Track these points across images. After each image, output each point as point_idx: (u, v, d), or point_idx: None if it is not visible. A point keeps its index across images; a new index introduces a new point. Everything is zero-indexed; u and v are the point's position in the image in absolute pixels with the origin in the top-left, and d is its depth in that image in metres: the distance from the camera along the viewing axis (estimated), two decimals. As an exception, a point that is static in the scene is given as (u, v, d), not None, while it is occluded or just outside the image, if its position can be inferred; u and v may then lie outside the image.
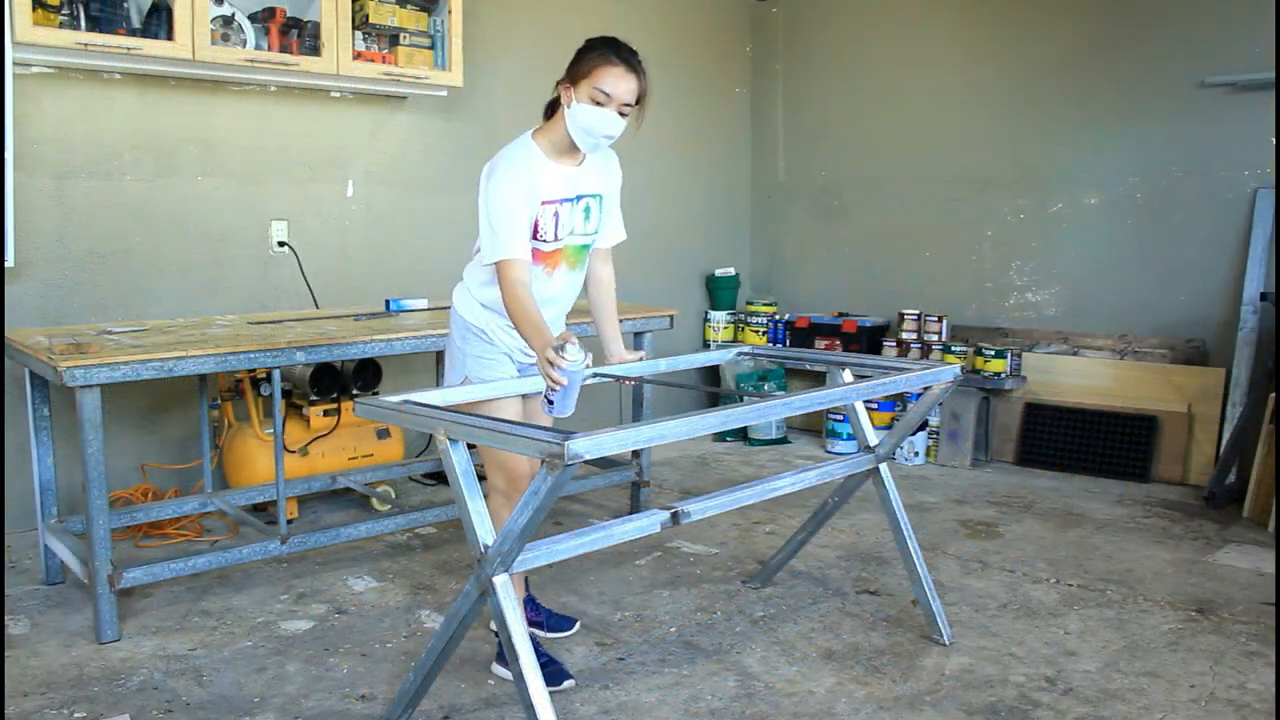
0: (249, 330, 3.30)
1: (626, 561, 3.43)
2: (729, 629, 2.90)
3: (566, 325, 2.71)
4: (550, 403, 2.16)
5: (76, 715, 2.39)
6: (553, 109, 2.47)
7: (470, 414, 2.07)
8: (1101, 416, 4.61)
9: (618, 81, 2.33)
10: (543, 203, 2.39)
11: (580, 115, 2.35)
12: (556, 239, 2.45)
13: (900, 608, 3.04)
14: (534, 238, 2.40)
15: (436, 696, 2.47)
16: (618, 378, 2.69)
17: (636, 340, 3.90)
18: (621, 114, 2.37)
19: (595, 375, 2.66)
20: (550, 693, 2.07)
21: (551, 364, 2.06)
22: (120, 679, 2.58)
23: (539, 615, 2.83)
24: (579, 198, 2.48)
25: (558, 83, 2.43)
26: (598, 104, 2.34)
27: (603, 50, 2.36)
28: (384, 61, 4.10)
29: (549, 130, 2.44)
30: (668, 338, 4.46)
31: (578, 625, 2.90)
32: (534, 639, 2.39)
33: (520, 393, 2.49)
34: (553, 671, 2.48)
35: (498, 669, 2.62)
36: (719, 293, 5.78)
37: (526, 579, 2.84)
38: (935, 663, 2.68)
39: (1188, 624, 2.93)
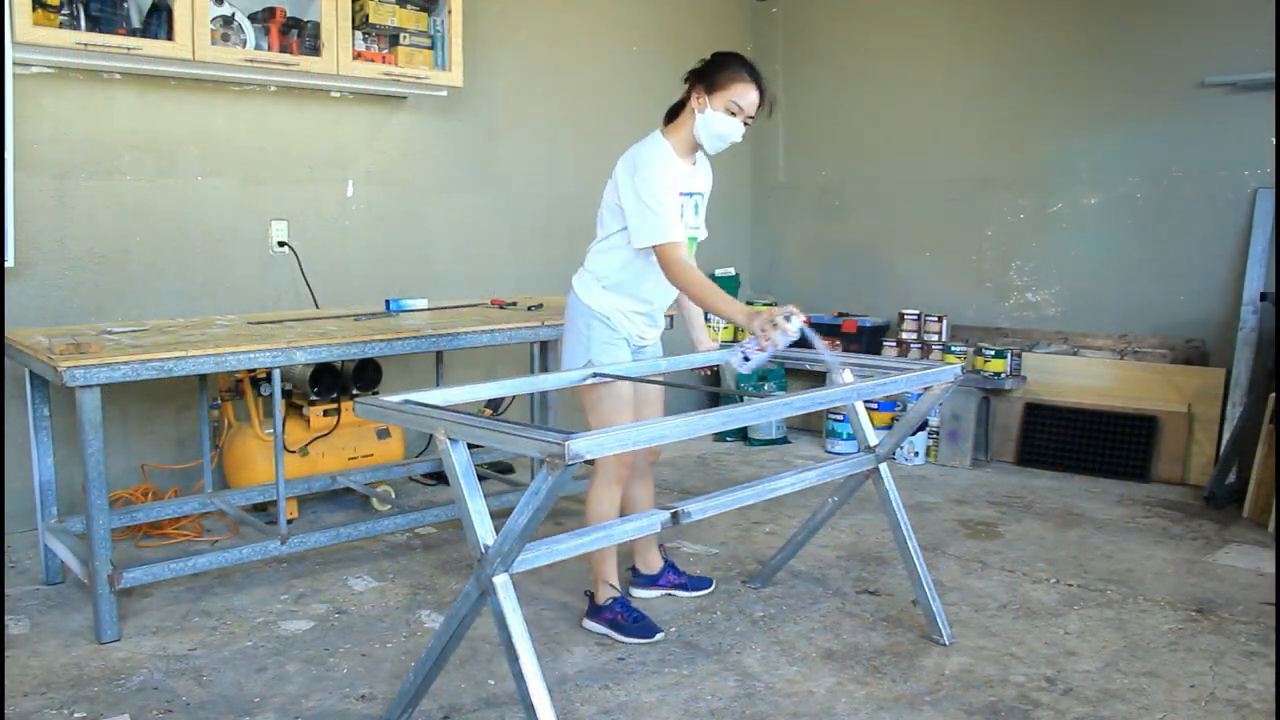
0: (249, 330, 3.30)
1: (626, 561, 3.42)
2: (729, 629, 2.90)
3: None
4: (747, 359, 2.49)
5: (76, 715, 2.39)
6: (674, 113, 2.77)
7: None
8: (1101, 416, 4.61)
9: (748, 95, 2.66)
10: (679, 194, 2.69)
11: (714, 122, 2.67)
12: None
13: (900, 608, 3.04)
14: None
15: (436, 696, 2.47)
16: (618, 378, 2.71)
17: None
18: (745, 123, 2.71)
19: (595, 375, 2.67)
20: (643, 642, 2.75)
21: (775, 327, 2.38)
22: (120, 679, 2.58)
23: (680, 577, 3.13)
24: (691, 194, 2.79)
25: (689, 87, 2.71)
26: (731, 114, 2.66)
27: (739, 67, 2.67)
28: (384, 61, 4.10)
29: (676, 131, 2.74)
30: (668, 338, 4.45)
31: (714, 584, 3.18)
32: (624, 599, 2.85)
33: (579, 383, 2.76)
34: (645, 625, 2.80)
35: (587, 623, 2.87)
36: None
37: (662, 544, 3.15)
38: (935, 663, 2.68)
39: (1188, 624, 2.93)
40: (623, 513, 2.89)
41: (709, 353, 3.05)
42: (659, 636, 2.81)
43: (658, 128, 2.78)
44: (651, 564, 3.11)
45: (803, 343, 2.47)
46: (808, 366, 3.40)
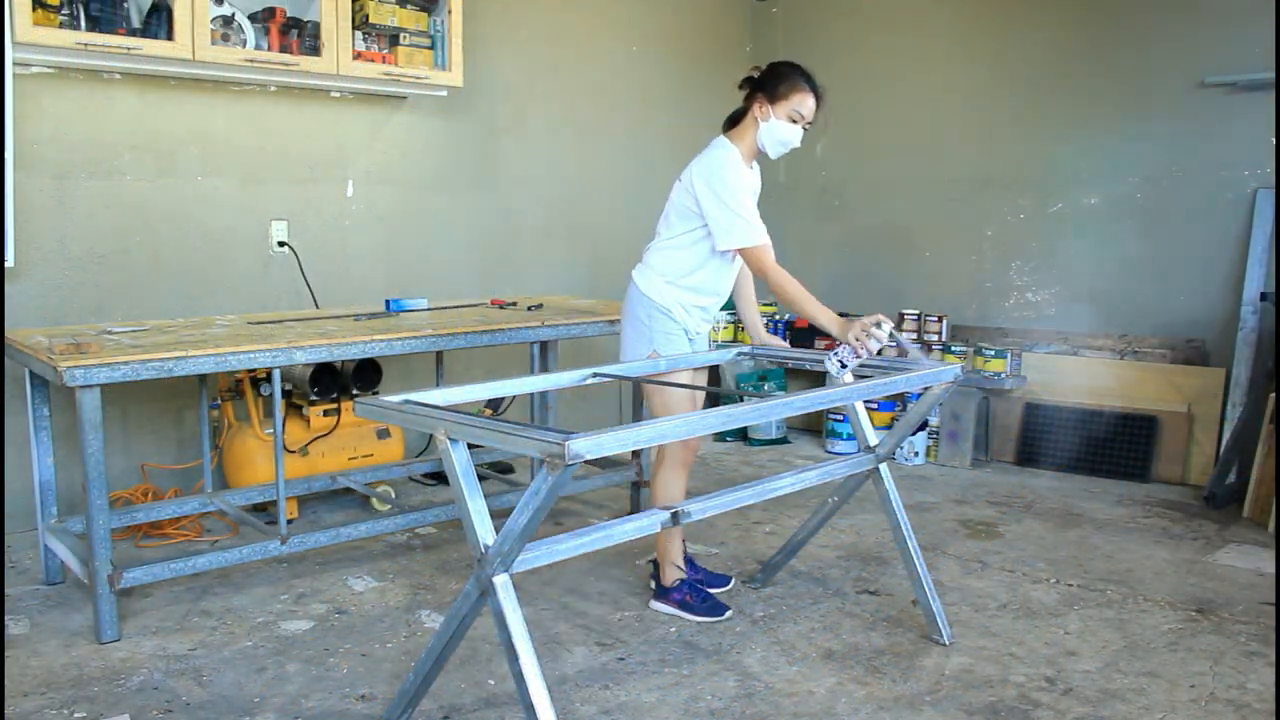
0: (249, 330, 3.30)
1: (626, 561, 3.43)
2: (729, 629, 2.90)
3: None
4: (844, 365, 2.67)
5: (76, 715, 2.39)
6: (734, 120, 2.93)
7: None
8: (1101, 416, 4.61)
9: (808, 104, 2.84)
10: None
11: (778, 130, 2.85)
12: None
13: (900, 608, 3.04)
14: None
15: (436, 696, 2.47)
16: (618, 378, 2.72)
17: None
18: (805, 129, 2.88)
19: (595, 375, 2.67)
20: (716, 621, 2.88)
21: (869, 335, 2.60)
22: (120, 679, 2.58)
23: (698, 572, 3.17)
24: (754, 195, 2.96)
25: (748, 96, 2.88)
26: (794, 122, 2.84)
27: (800, 79, 2.83)
28: (384, 61, 4.10)
29: (741, 138, 2.91)
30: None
31: (734, 580, 3.24)
32: (690, 582, 2.98)
33: (692, 366, 2.97)
34: (714, 604, 2.95)
35: (656, 605, 3.00)
36: (719, 293, 5.77)
37: (685, 541, 3.17)
38: (935, 663, 2.68)
39: (1188, 624, 2.93)
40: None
41: (710, 353, 3.06)
42: (728, 614, 2.94)
43: (720, 134, 2.94)
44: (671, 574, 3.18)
45: (895, 347, 2.62)
46: (807, 366, 3.41)
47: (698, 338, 3.04)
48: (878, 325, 2.61)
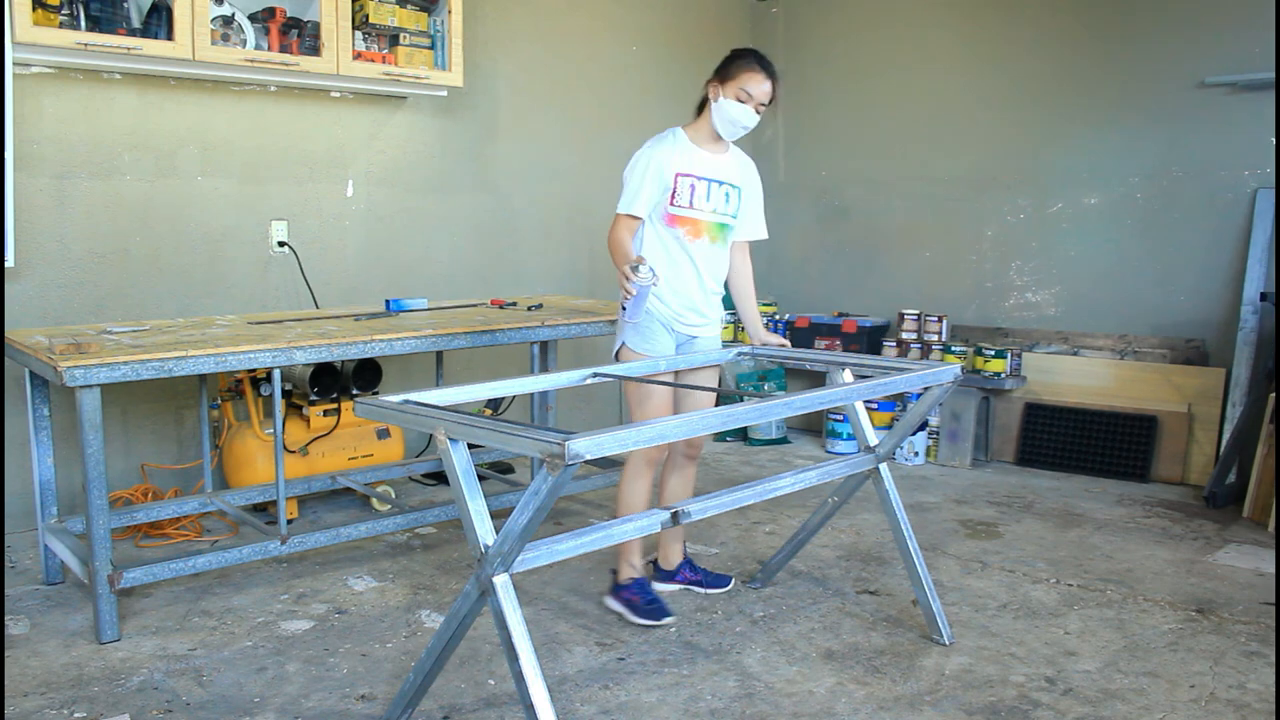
0: (249, 330, 3.30)
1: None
2: (729, 629, 2.90)
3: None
4: (623, 309, 2.70)
5: (76, 715, 2.39)
6: (703, 107, 2.96)
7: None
8: (1101, 416, 4.61)
9: (760, 86, 2.86)
10: (678, 175, 2.87)
11: (726, 109, 2.87)
12: (692, 207, 2.90)
13: (900, 608, 3.04)
14: (671, 203, 2.88)
15: (436, 696, 2.47)
16: (618, 377, 2.72)
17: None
18: (757, 111, 2.89)
19: (595, 375, 2.67)
20: (652, 625, 2.86)
21: (627, 278, 2.62)
22: (120, 679, 2.58)
23: (697, 574, 3.18)
24: (720, 182, 2.95)
25: (707, 82, 2.93)
26: (741, 101, 2.86)
27: (749, 59, 2.88)
28: (384, 61, 4.10)
29: (696, 125, 2.96)
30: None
31: (734, 581, 3.23)
32: (642, 582, 2.97)
33: (672, 370, 2.94)
34: (657, 608, 2.91)
35: (606, 599, 3.01)
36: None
37: (685, 543, 3.24)
38: (935, 663, 2.68)
39: (1188, 624, 2.93)
40: (661, 504, 2.98)
41: (709, 353, 3.05)
42: (667, 620, 2.90)
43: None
44: (670, 559, 3.19)
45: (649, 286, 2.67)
46: (807, 367, 3.40)
47: (696, 335, 3.02)
48: (635, 269, 2.63)
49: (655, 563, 3.21)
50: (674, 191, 2.88)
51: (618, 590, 2.99)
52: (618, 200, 2.90)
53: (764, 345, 3.16)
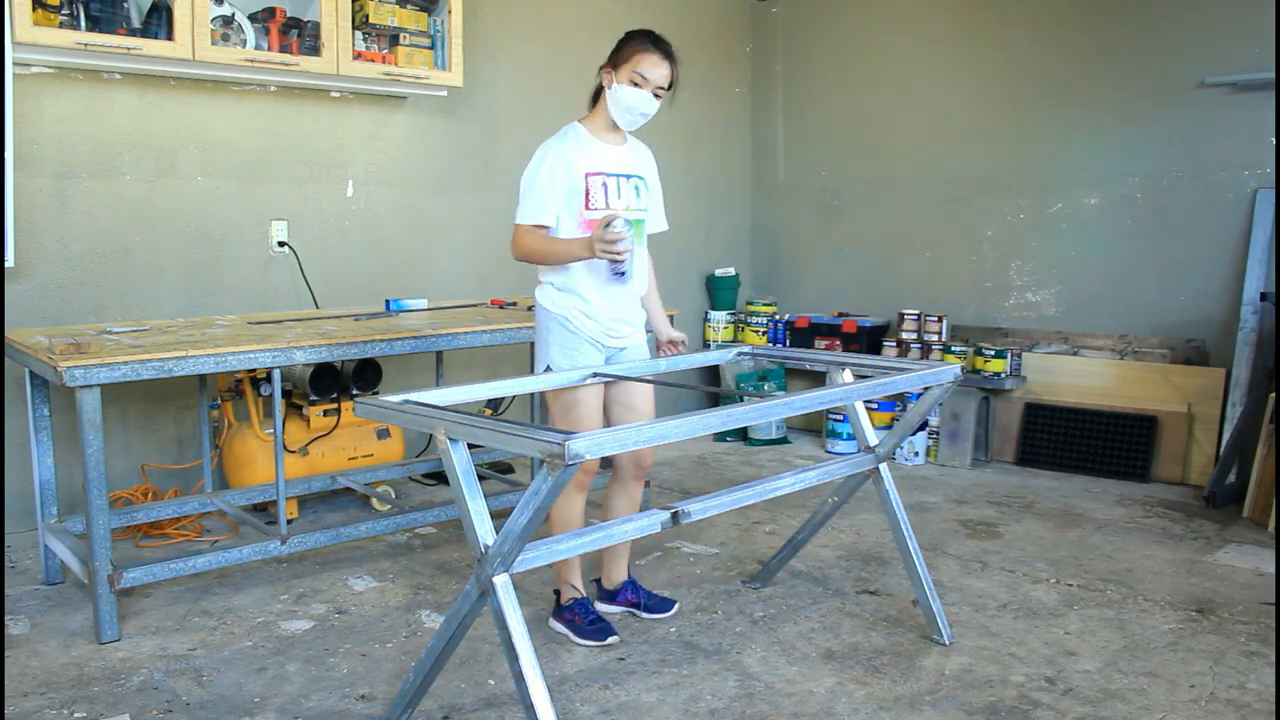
0: (249, 330, 3.30)
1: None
2: (729, 629, 2.90)
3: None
4: (621, 274, 2.58)
5: (76, 715, 2.39)
6: (598, 96, 2.77)
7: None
8: (1101, 416, 4.61)
9: (654, 67, 2.66)
10: (588, 174, 2.67)
11: (621, 95, 2.67)
12: (609, 207, 2.70)
13: (900, 608, 3.04)
14: (587, 207, 2.66)
15: (436, 696, 2.47)
16: (619, 378, 2.71)
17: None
18: (656, 96, 2.69)
19: (595, 375, 2.67)
20: (596, 646, 2.71)
21: (609, 241, 2.45)
22: (120, 679, 2.58)
23: (638, 596, 2.99)
24: (628, 176, 2.77)
25: (600, 69, 2.74)
26: (636, 85, 2.66)
27: (642, 40, 2.68)
28: (384, 61, 4.10)
29: (593, 116, 2.77)
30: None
31: (677, 606, 3.02)
32: (586, 602, 2.82)
33: (601, 381, 2.70)
34: (601, 629, 2.77)
35: (550, 622, 2.87)
36: (719, 293, 5.78)
37: (630, 566, 3.04)
38: (935, 663, 2.68)
39: (1188, 624, 2.93)
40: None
41: (710, 353, 3.05)
42: (611, 640, 2.75)
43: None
44: (614, 578, 2.99)
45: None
46: (807, 367, 3.39)
47: (625, 346, 2.80)
48: (608, 224, 2.46)
49: (598, 582, 3.02)
50: (587, 193, 2.66)
51: (560, 611, 2.86)
52: (515, 210, 2.65)
53: (669, 340, 2.95)
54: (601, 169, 2.69)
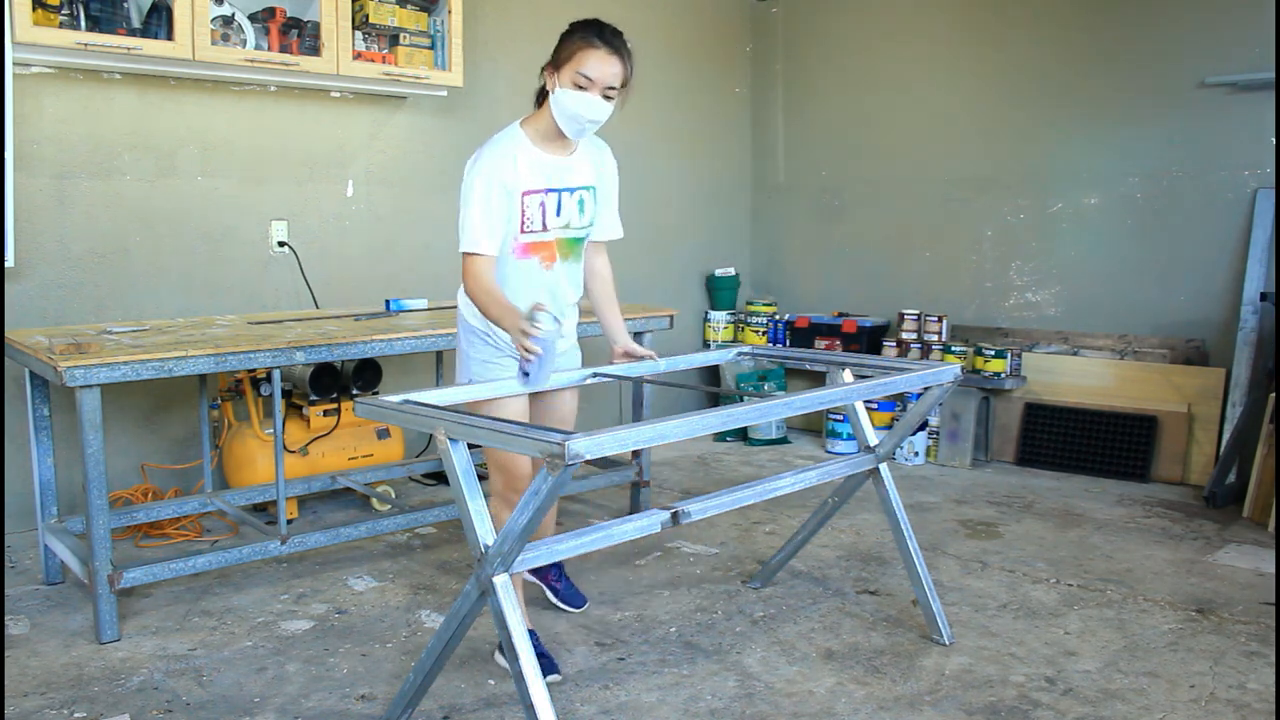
0: (249, 330, 3.30)
1: (626, 561, 3.43)
2: (729, 629, 2.90)
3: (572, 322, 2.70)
4: (526, 375, 2.26)
5: (76, 715, 2.39)
6: (542, 97, 2.44)
7: (473, 415, 2.04)
8: (1101, 416, 4.61)
9: (600, 65, 2.31)
10: (525, 194, 2.39)
11: (564, 100, 2.33)
12: (545, 229, 2.44)
13: (900, 608, 3.04)
14: (522, 231, 2.41)
15: (436, 696, 2.47)
16: (618, 378, 2.70)
17: (637, 340, 3.89)
18: (606, 98, 2.35)
19: (595, 375, 2.66)
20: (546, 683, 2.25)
21: (525, 334, 2.15)
22: (120, 679, 2.58)
23: (560, 583, 2.94)
24: (572, 190, 2.47)
25: (542, 69, 2.41)
26: (580, 88, 2.32)
27: (584, 33, 2.32)
28: (384, 61, 4.10)
29: (536, 119, 2.43)
30: (667, 338, 4.46)
31: (587, 605, 3.00)
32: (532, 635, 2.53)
33: (523, 392, 2.47)
34: (544, 664, 2.47)
35: (497, 656, 2.68)
36: (719, 293, 5.78)
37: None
38: (935, 663, 2.68)
39: (1188, 624, 2.93)
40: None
41: (710, 353, 3.04)
42: (553, 678, 2.52)
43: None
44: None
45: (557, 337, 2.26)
46: (807, 367, 3.39)
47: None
48: (532, 319, 2.18)
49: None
50: (523, 215, 2.39)
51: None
52: (460, 235, 2.38)
53: (630, 354, 2.68)
54: (539, 185, 2.41)
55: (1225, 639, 2.82)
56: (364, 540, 3.60)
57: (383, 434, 4.06)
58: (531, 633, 2.62)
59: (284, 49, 3.88)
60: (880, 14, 5.43)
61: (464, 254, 2.38)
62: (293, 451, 3.80)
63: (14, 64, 3.34)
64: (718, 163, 5.86)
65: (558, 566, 3.00)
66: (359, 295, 4.37)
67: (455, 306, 4.07)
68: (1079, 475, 4.60)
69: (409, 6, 4.15)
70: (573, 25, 2.36)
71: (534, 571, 2.96)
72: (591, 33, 2.32)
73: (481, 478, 2.21)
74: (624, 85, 2.38)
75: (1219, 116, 4.38)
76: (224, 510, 3.53)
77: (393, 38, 4.13)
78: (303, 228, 4.22)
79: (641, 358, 2.70)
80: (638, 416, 3.94)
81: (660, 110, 5.44)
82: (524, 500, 1.90)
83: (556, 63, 2.36)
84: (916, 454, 4.87)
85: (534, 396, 2.59)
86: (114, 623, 2.80)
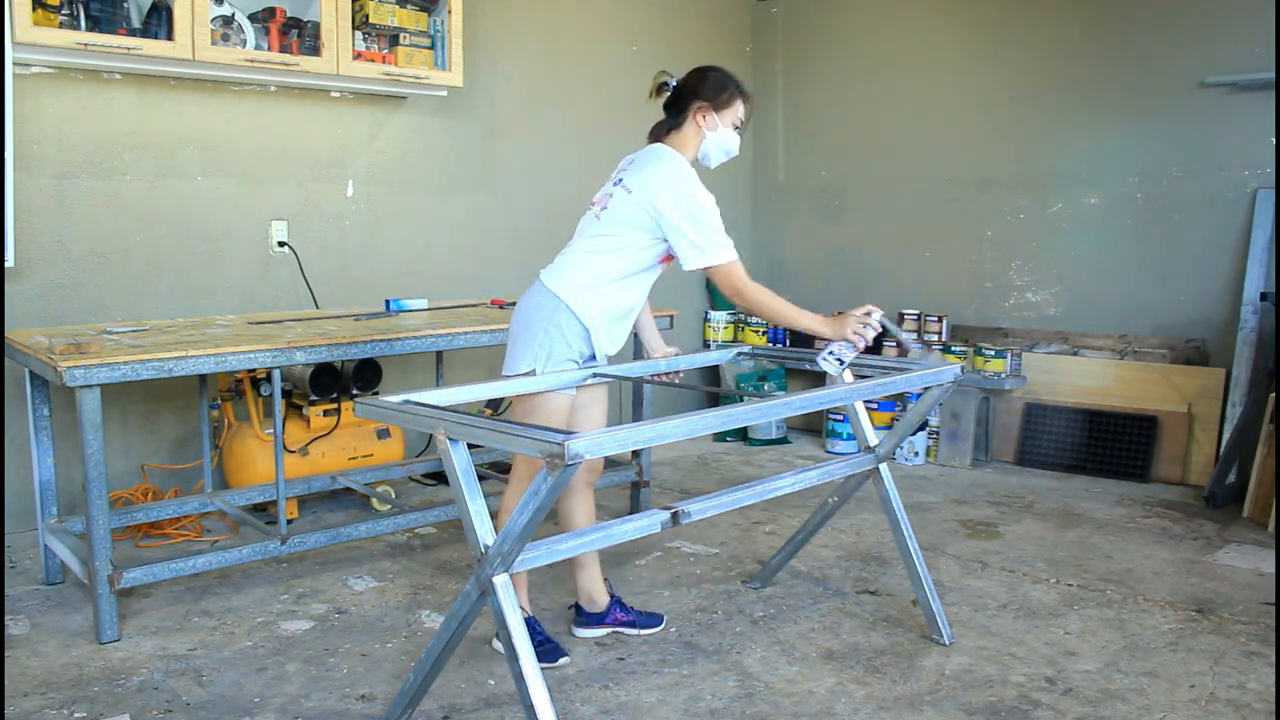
0: (249, 330, 3.30)
1: (626, 561, 3.43)
2: (729, 629, 2.90)
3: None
4: (842, 363, 2.63)
5: (76, 715, 2.39)
6: (667, 128, 2.74)
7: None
8: (1101, 416, 4.61)
9: (747, 109, 2.74)
10: None
11: (725, 138, 2.71)
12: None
13: (900, 608, 3.04)
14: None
15: (436, 696, 2.47)
16: (619, 378, 2.71)
17: (636, 340, 3.90)
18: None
19: (595, 375, 2.67)
20: (547, 669, 2.43)
21: (866, 327, 2.57)
22: (120, 679, 2.58)
23: (629, 615, 2.86)
24: None
25: (692, 106, 2.68)
26: (736, 129, 2.73)
27: (738, 85, 2.71)
28: (384, 61, 4.10)
29: (684, 148, 2.71)
30: (667, 338, 4.45)
31: (665, 619, 2.93)
32: (533, 622, 2.67)
33: (574, 386, 2.62)
34: (549, 649, 2.65)
35: (495, 644, 2.75)
36: (719, 293, 5.77)
37: (609, 582, 2.90)
38: (935, 663, 2.68)
39: (1188, 624, 2.93)
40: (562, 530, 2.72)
41: (710, 353, 3.05)
42: (563, 661, 2.64)
43: (660, 143, 2.73)
44: (597, 600, 2.83)
45: (893, 343, 2.59)
46: (807, 367, 3.39)
47: (592, 366, 2.67)
48: (868, 314, 2.60)
49: (577, 606, 2.86)
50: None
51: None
52: (712, 250, 2.56)
53: (662, 355, 2.94)
54: None
55: (1225, 639, 2.82)
56: (364, 540, 3.60)
57: (383, 434, 4.06)
58: (534, 620, 2.69)
59: (284, 49, 3.88)
60: (880, 14, 5.43)
61: (727, 264, 2.60)
62: (293, 451, 3.80)
63: (14, 64, 3.34)
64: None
65: (617, 601, 2.87)
66: (359, 295, 4.37)
67: (455, 306, 4.10)
68: (1079, 475, 4.60)
69: (409, 6, 4.15)
70: (723, 75, 2.70)
71: (597, 621, 2.83)
72: (742, 86, 2.72)
73: (482, 478, 2.21)
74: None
75: (1219, 116, 4.38)
76: (224, 510, 3.53)
77: (393, 38, 4.13)
78: (303, 228, 4.22)
79: (676, 354, 2.98)
80: (638, 416, 3.94)
81: (659, 110, 5.42)
82: (524, 500, 1.90)
83: (716, 104, 2.68)
84: (916, 454, 4.87)
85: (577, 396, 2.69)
86: (114, 623, 2.80)
